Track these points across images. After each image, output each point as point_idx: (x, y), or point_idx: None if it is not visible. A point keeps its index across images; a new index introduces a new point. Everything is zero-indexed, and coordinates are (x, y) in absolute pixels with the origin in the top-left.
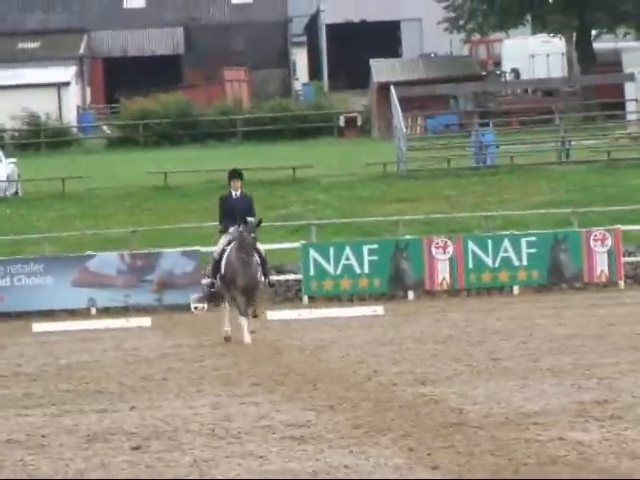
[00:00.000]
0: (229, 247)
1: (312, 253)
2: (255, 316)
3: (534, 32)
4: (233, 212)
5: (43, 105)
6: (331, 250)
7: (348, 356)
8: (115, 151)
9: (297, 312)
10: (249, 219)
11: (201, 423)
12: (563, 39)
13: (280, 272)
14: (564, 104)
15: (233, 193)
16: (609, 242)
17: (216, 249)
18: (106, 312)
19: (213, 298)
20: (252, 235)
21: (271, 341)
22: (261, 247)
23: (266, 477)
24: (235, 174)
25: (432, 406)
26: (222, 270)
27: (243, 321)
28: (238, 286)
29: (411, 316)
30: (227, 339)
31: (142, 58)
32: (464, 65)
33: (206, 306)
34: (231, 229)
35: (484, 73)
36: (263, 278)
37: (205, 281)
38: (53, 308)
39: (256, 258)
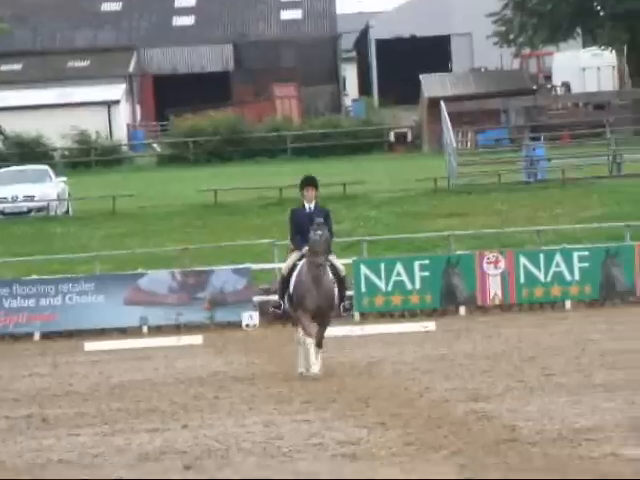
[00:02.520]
0: (300, 262)
1: (363, 269)
2: (319, 345)
3: (585, 45)
4: (305, 228)
5: (93, 123)
6: (382, 266)
7: (400, 373)
8: (165, 168)
9: (349, 328)
10: (318, 220)
11: (253, 441)
12: (614, 52)
13: None
14: (615, 117)
15: (306, 205)
16: None
17: (285, 264)
18: (158, 330)
19: (282, 318)
20: (326, 244)
21: (323, 358)
22: (338, 262)
23: None
24: (309, 182)
25: (484, 422)
26: (291, 288)
27: (310, 344)
28: (308, 307)
29: (463, 332)
30: (302, 376)
31: (191, 75)
32: (514, 79)
33: (257, 324)
34: (303, 248)
35: (535, 87)
36: (337, 300)
37: (272, 302)
38: (105, 327)
39: (330, 276)
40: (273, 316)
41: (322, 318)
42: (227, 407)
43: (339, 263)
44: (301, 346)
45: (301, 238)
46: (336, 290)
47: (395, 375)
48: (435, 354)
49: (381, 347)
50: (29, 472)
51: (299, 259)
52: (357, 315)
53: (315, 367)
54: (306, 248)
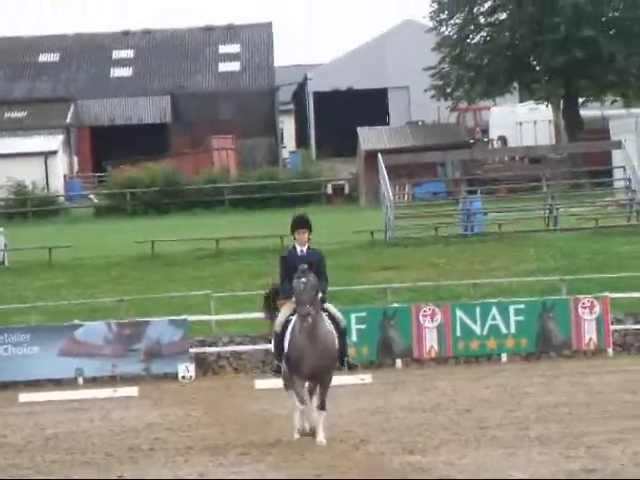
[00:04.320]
0: (293, 318)
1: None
2: (322, 408)
3: (521, 100)
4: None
5: (30, 174)
6: None
7: (336, 425)
8: (102, 220)
9: (280, 381)
10: (302, 267)
11: None
12: (550, 107)
13: (267, 340)
14: (551, 171)
15: (298, 249)
16: (597, 310)
17: (278, 319)
18: (93, 382)
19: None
20: (315, 293)
21: (259, 410)
22: (337, 312)
23: None
24: (301, 223)
25: (420, 474)
26: (286, 349)
27: (314, 414)
28: (304, 372)
29: (399, 384)
30: (298, 439)
31: (129, 126)
32: (451, 133)
33: (193, 375)
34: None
35: (471, 141)
36: (338, 354)
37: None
38: (40, 378)
39: (329, 328)
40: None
41: (322, 378)
42: (162, 459)
43: (338, 313)
44: (296, 410)
45: (290, 286)
46: (336, 343)
47: (331, 427)
48: (372, 407)
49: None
50: None
51: (292, 313)
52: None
53: (320, 436)
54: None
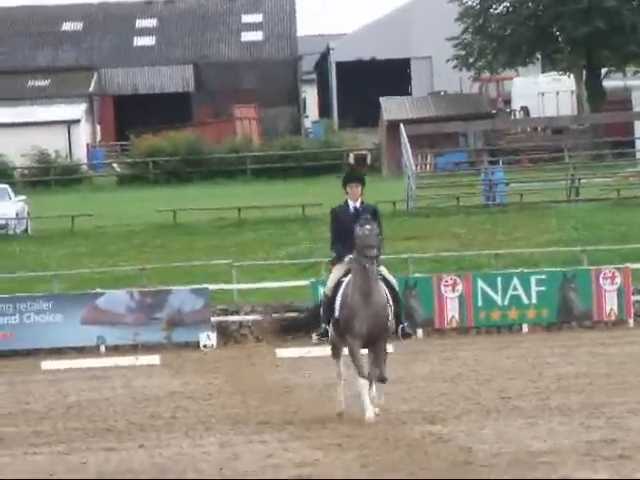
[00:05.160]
0: (346, 279)
1: (321, 290)
2: (382, 380)
3: (544, 70)
4: (349, 231)
5: (53, 143)
6: None
7: (357, 395)
8: (125, 189)
9: (306, 350)
10: (365, 216)
11: (209, 462)
12: (572, 77)
13: (290, 310)
14: (574, 142)
15: (351, 204)
16: (618, 280)
17: (328, 283)
18: (115, 350)
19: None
20: (377, 239)
21: (280, 379)
22: (391, 277)
23: None
24: (354, 178)
25: (440, 445)
26: (336, 312)
27: (363, 386)
28: (356, 333)
29: (420, 354)
30: (340, 414)
31: (152, 96)
32: (474, 103)
33: (215, 344)
34: (347, 258)
35: (494, 111)
36: (394, 322)
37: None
38: (62, 346)
39: (383, 293)
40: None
41: (375, 344)
42: (183, 427)
43: (390, 275)
44: (341, 381)
45: (343, 247)
46: (390, 309)
47: (352, 397)
48: (393, 376)
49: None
50: None
51: (344, 275)
52: (314, 336)
53: (369, 411)
54: (348, 258)
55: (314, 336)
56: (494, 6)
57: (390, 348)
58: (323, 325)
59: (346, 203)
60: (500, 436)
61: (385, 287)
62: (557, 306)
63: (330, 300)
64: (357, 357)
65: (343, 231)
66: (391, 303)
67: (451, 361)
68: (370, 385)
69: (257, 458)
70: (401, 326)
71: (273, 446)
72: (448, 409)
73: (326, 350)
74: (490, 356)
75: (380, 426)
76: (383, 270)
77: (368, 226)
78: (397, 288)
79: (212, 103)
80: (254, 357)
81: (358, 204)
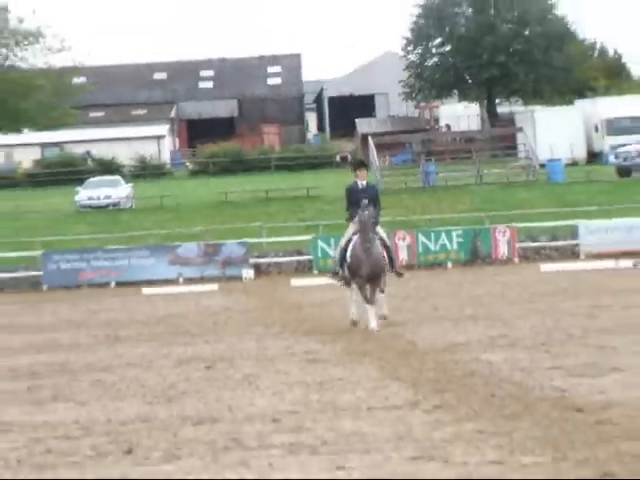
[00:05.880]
0: (355, 237)
1: (319, 243)
2: (382, 291)
3: (459, 100)
4: (359, 201)
5: (148, 150)
6: (331, 241)
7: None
8: (194, 179)
9: (310, 280)
10: (364, 202)
11: (249, 352)
12: (478, 105)
13: (299, 254)
14: (479, 147)
15: (359, 183)
16: (508, 234)
17: (343, 239)
18: (189, 281)
19: (342, 280)
20: (373, 222)
21: (294, 299)
22: (384, 234)
23: (288, 382)
24: (360, 163)
25: (395, 339)
26: (348, 259)
27: (370, 309)
28: (362, 275)
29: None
30: (353, 324)
31: (211, 119)
32: (415, 122)
33: (252, 277)
34: (356, 219)
35: (428, 127)
36: (389, 264)
37: (333, 270)
38: (155, 279)
39: (380, 249)
40: (333, 279)
41: (374, 282)
42: (233, 329)
43: (384, 234)
44: (352, 301)
45: (354, 209)
46: (385, 257)
47: (339, 310)
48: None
49: (333, 291)
50: (109, 370)
51: (354, 233)
52: (316, 272)
53: (373, 323)
54: (358, 220)
55: (328, 275)
56: (427, 61)
57: None
58: (337, 268)
59: (355, 182)
60: (433, 334)
61: (380, 242)
62: (470, 251)
63: (344, 250)
64: (363, 290)
65: (354, 201)
66: (384, 254)
67: (403, 287)
68: (371, 308)
69: (280, 349)
70: (395, 269)
71: (291, 341)
72: (399, 317)
73: (326, 281)
74: (427, 283)
75: (360, 328)
76: (379, 230)
77: (366, 212)
78: (388, 242)
79: (248, 124)
80: (277, 285)
81: (365, 183)
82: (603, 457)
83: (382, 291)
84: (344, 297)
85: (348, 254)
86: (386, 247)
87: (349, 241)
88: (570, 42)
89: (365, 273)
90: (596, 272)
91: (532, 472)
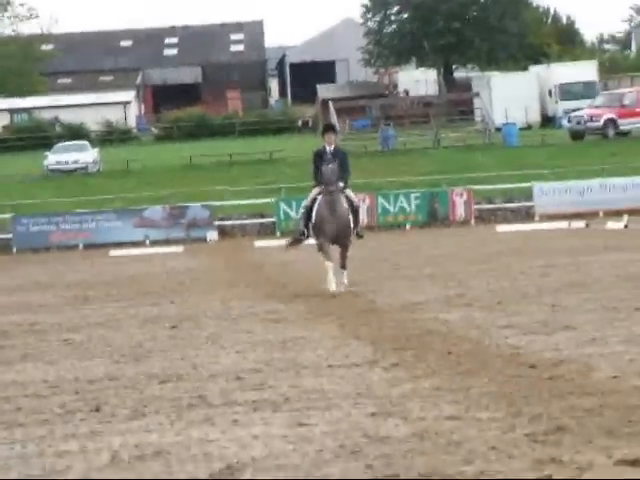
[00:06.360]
0: (320, 197)
1: (282, 205)
2: (343, 267)
3: (417, 67)
4: (325, 167)
5: (115, 115)
6: (293, 203)
7: (308, 269)
8: (159, 144)
9: (269, 241)
10: (329, 158)
11: (213, 311)
12: (435, 71)
13: (262, 216)
14: (436, 111)
15: (327, 148)
16: (465, 196)
17: (307, 199)
18: (155, 243)
19: (298, 243)
20: (340, 184)
21: (257, 260)
22: (353, 195)
23: (251, 341)
24: (329, 128)
25: (356, 299)
26: (313, 219)
27: (329, 267)
28: (327, 234)
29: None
30: (333, 296)
31: (175, 86)
32: (375, 87)
33: (216, 239)
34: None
35: (387, 93)
36: (352, 227)
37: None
38: (122, 241)
39: (346, 206)
40: (295, 242)
41: (341, 242)
42: (198, 289)
43: (353, 195)
44: (328, 270)
45: (320, 176)
46: (350, 217)
47: (302, 271)
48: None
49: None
50: (77, 330)
51: (319, 194)
52: (278, 234)
53: (340, 287)
54: (323, 183)
55: (288, 241)
56: (386, 28)
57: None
58: (301, 227)
59: (324, 147)
60: (393, 292)
61: (347, 204)
62: (427, 213)
63: (309, 210)
64: (325, 250)
65: (321, 166)
66: (350, 215)
67: (363, 248)
68: (339, 271)
69: (243, 308)
70: (356, 230)
71: (253, 301)
72: (359, 277)
73: (282, 242)
74: (387, 244)
75: (322, 289)
76: (348, 191)
77: (330, 165)
78: (356, 204)
79: (213, 90)
80: (240, 247)
81: (332, 148)
82: (556, 412)
83: (343, 267)
84: (323, 269)
85: (313, 214)
86: (353, 209)
87: (314, 200)
88: (524, 9)
89: (330, 232)
90: (550, 233)
91: (487, 427)
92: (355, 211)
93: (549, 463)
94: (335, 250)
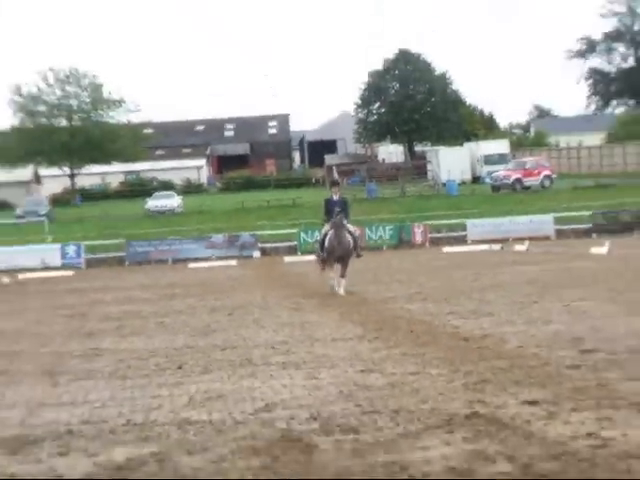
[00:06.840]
0: (330, 232)
1: (302, 234)
2: (343, 276)
3: (391, 143)
4: (333, 210)
5: (192, 175)
6: (309, 232)
7: (319, 277)
8: (221, 194)
9: (294, 258)
10: (337, 210)
11: (256, 303)
12: (402, 146)
13: (289, 241)
14: (403, 173)
15: (333, 196)
16: (422, 228)
17: (321, 232)
18: (218, 259)
19: (323, 262)
20: (344, 221)
21: (285, 270)
22: (352, 228)
23: (281, 322)
24: (335, 183)
25: (351, 295)
26: (326, 246)
27: (340, 281)
28: (335, 256)
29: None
30: (333, 292)
31: (233, 156)
32: (362, 157)
33: (259, 256)
34: (330, 223)
35: (370, 160)
36: (354, 250)
37: (315, 254)
38: (197, 257)
39: (348, 237)
40: (322, 262)
41: (344, 260)
42: (246, 289)
43: (353, 229)
44: (331, 279)
45: (329, 217)
46: (352, 243)
47: (316, 276)
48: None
49: (311, 266)
50: (167, 315)
51: (329, 229)
52: (299, 253)
53: (341, 290)
54: (332, 221)
55: (315, 255)
56: (370, 118)
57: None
58: (318, 251)
59: (331, 196)
60: (375, 292)
61: (349, 234)
62: (397, 239)
63: (322, 239)
64: (331, 264)
65: (329, 209)
66: (351, 242)
67: (355, 263)
68: (340, 279)
69: (276, 300)
70: (356, 251)
71: (282, 296)
72: (353, 282)
73: (308, 259)
74: (370, 261)
75: (313, 284)
76: (349, 226)
77: (338, 216)
78: (355, 234)
79: (256, 159)
80: (275, 261)
81: (337, 197)
82: (482, 370)
83: (343, 276)
84: (328, 276)
85: (326, 244)
86: (353, 237)
87: (325, 235)
88: (461, 106)
89: (337, 255)
90: (478, 252)
91: (436, 379)
92: (354, 238)
93: (477, 403)
94: (338, 266)
